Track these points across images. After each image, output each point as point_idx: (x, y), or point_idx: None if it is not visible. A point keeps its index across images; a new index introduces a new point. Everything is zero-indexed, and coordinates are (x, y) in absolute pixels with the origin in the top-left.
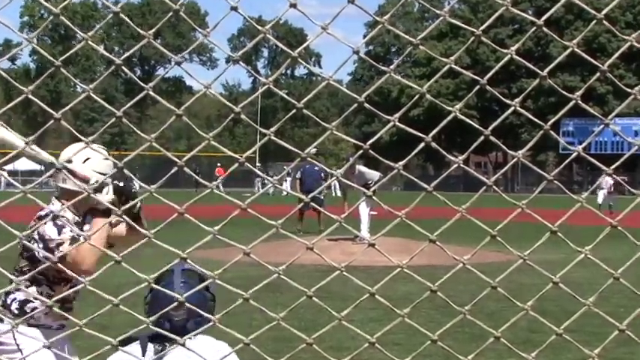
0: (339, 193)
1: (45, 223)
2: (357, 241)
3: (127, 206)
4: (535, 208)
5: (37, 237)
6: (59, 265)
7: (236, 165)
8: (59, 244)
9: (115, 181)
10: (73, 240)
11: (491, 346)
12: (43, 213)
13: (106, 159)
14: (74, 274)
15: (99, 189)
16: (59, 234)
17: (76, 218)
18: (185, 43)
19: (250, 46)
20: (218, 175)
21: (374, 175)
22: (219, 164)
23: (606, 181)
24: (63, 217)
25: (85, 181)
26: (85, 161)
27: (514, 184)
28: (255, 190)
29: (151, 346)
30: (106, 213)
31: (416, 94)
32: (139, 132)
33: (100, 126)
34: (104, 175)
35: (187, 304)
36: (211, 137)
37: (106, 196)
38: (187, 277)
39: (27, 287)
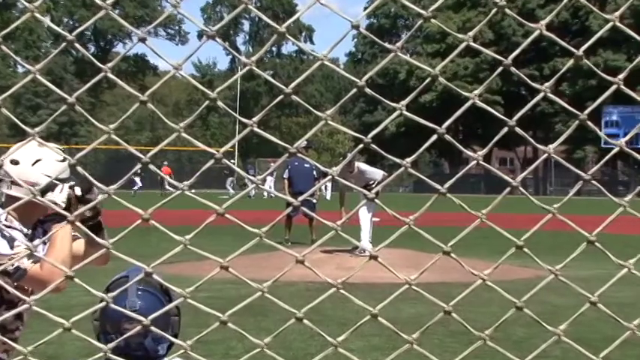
0: (328, 197)
1: None
2: (357, 253)
3: (83, 210)
4: (570, 213)
5: None
6: (18, 282)
7: (212, 162)
8: (15, 259)
9: (73, 184)
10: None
11: None
12: None
13: (62, 160)
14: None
15: (47, 192)
16: (11, 247)
17: (25, 230)
18: (149, 14)
19: (229, 18)
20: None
21: (376, 173)
22: (165, 163)
23: None
24: (10, 227)
25: (33, 187)
26: (34, 163)
27: (546, 184)
28: (229, 191)
29: None
30: (64, 218)
31: (427, 76)
32: (95, 122)
33: (45, 114)
34: (58, 180)
35: (143, 317)
36: (182, 128)
37: (60, 195)
38: (146, 284)
39: None
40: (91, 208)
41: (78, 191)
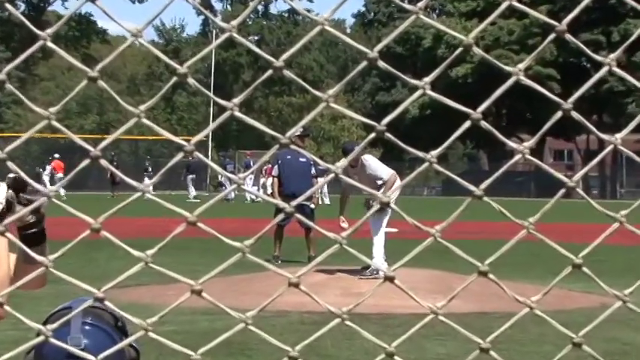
0: (327, 200)
1: None
2: (367, 275)
3: (23, 213)
4: None
5: None
6: None
7: (180, 155)
8: None
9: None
10: None
11: None
12: None
13: None
14: None
15: None
16: None
17: None
18: None
19: None
20: (55, 172)
21: (381, 171)
22: (56, 155)
23: None
24: None
25: None
26: None
27: (616, 185)
28: (192, 192)
29: None
30: None
31: (460, 45)
32: (30, 104)
33: None
34: None
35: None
36: (142, 112)
37: None
38: (95, 317)
39: None
40: (34, 211)
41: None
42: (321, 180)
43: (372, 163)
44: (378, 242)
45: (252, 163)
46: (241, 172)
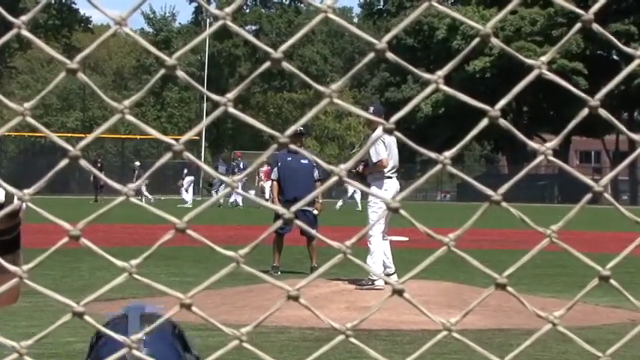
0: (338, 204)
1: None
2: (369, 285)
3: None
4: None
5: None
6: None
7: (169, 156)
8: None
9: None
10: None
11: None
12: None
13: None
14: None
15: None
16: None
17: None
18: None
19: None
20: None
21: (377, 153)
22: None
23: None
24: None
25: None
26: None
27: None
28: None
29: None
30: None
31: (477, 36)
32: (3, 98)
33: None
34: None
35: None
36: (126, 108)
37: None
38: (153, 325)
39: None
40: (12, 216)
41: None
42: (327, 184)
43: (374, 140)
44: (376, 244)
45: (241, 165)
46: (234, 175)
